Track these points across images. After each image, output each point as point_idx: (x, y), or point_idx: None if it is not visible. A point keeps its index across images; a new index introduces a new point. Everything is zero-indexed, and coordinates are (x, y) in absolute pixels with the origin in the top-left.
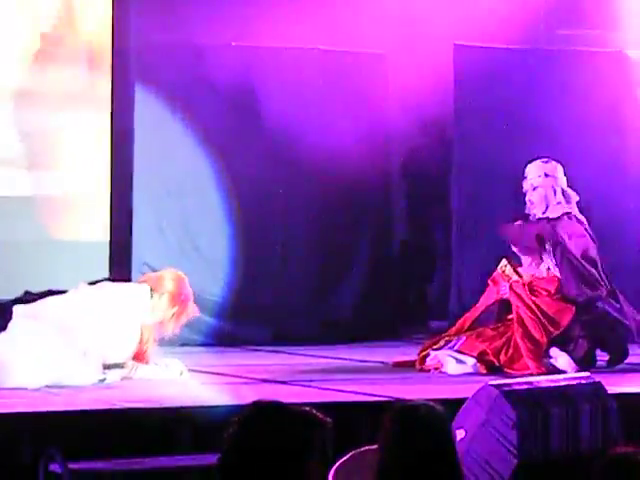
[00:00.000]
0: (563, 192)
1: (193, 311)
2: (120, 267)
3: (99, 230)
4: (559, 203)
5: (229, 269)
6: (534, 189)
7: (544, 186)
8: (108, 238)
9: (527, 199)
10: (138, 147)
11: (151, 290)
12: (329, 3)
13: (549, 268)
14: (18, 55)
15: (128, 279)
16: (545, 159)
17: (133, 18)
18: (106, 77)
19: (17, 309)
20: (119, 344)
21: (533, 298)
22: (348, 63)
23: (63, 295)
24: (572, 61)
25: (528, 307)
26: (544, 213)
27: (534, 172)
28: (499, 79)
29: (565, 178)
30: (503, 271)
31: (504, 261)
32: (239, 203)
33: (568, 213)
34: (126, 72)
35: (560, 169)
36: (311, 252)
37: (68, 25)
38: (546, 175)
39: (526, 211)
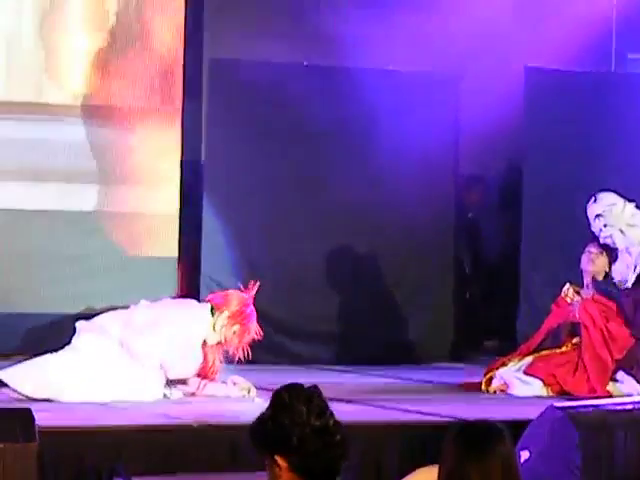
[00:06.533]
0: (622, 231)
1: (255, 331)
2: (188, 283)
3: (168, 246)
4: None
5: (297, 288)
6: (605, 236)
7: (605, 231)
8: (177, 254)
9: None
10: (208, 164)
11: (212, 309)
12: (402, 24)
13: None
14: (88, 69)
15: (196, 295)
16: (593, 198)
17: (206, 35)
18: (177, 93)
19: (80, 324)
20: (181, 361)
21: (603, 321)
22: (420, 83)
23: (125, 311)
24: None
25: (598, 328)
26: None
27: (590, 217)
28: (570, 102)
29: (626, 206)
30: (566, 295)
31: (567, 285)
32: (306, 223)
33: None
34: (197, 89)
35: (611, 202)
36: (378, 275)
37: (140, 41)
38: (597, 217)
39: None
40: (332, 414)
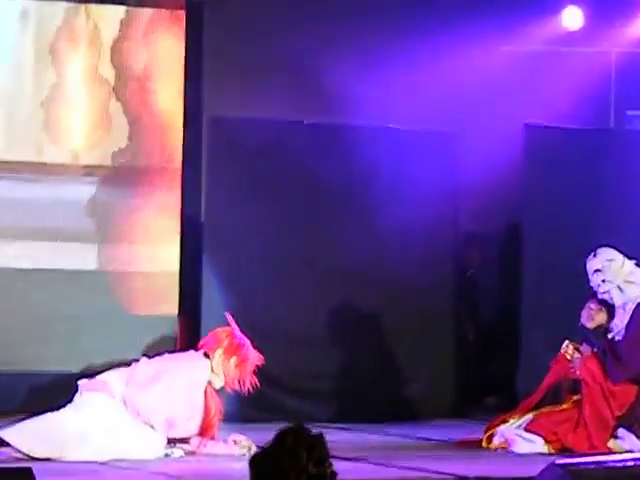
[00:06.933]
0: (620, 288)
1: (255, 356)
2: (188, 341)
3: (169, 304)
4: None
5: (296, 346)
6: (603, 292)
7: (603, 286)
8: (177, 312)
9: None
10: (207, 221)
11: (205, 354)
12: (402, 82)
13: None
14: (88, 129)
15: None
16: (592, 253)
17: (205, 95)
18: (177, 152)
19: (82, 382)
20: (185, 412)
21: (603, 377)
22: (420, 141)
23: (126, 368)
24: None
25: (598, 384)
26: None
27: (589, 271)
28: (569, 159)
29: (625, 263)
30: (565, 352)
31: (566, 342)
32: (306, 280)
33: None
34: (197, 147)
35: (610, 257)
36: (378, 332)
37: (140, 99)
38: (596, 272)
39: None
40: (331, 465)
